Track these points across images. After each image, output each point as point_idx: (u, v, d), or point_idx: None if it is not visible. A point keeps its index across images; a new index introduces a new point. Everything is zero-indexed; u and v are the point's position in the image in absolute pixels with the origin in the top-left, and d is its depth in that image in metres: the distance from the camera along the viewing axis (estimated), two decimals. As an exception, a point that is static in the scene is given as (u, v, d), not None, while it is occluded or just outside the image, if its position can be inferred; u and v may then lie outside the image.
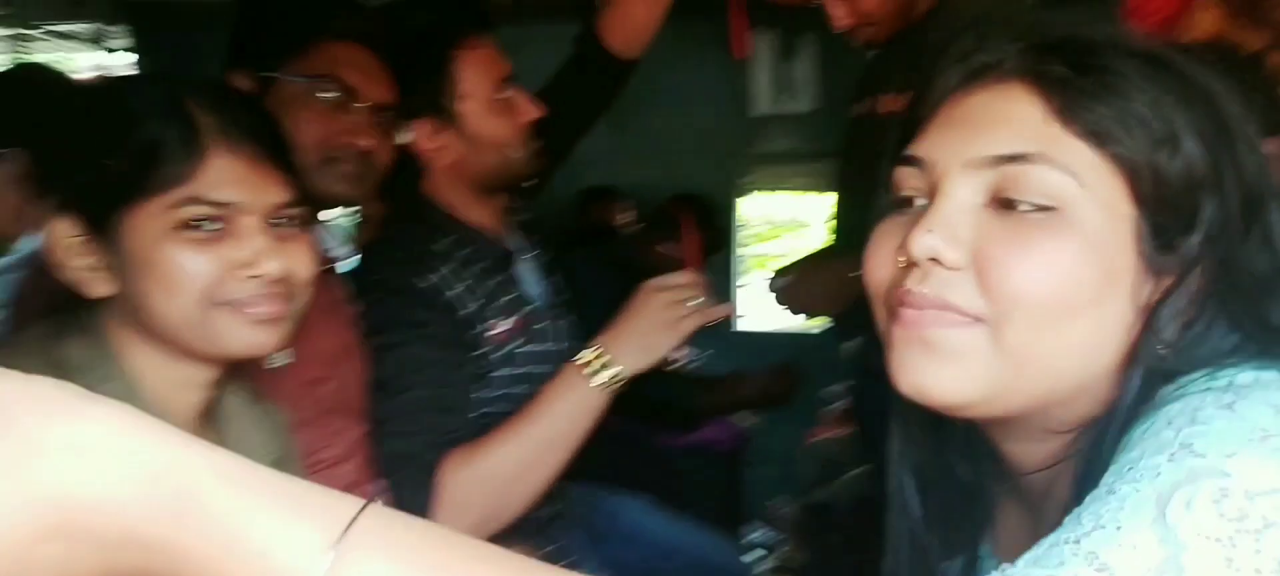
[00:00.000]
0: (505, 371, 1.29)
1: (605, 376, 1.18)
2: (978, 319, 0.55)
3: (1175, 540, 0.43)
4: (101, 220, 0.80)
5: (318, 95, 1.16)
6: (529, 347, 1.32)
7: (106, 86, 1.01)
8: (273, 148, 0.84)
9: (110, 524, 0.36)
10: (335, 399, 1.18)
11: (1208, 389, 0.50)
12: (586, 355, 1.19)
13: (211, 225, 0.80)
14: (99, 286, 0.81)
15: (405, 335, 1.23)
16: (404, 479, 1.19)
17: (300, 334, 0.95)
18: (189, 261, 0.79)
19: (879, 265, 0.60)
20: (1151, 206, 0.54)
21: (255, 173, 0.81)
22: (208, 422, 0.88)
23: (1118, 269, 0.54)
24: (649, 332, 1.19)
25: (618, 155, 2.77)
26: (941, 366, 0.55)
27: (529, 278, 1.41)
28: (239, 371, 0.91)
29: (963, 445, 0.67)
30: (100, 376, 0.81)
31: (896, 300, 0.57)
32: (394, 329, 1.23)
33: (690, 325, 1.20)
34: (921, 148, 0.59)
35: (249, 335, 0.82)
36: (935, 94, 0.61)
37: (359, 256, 1.37)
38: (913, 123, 0.61)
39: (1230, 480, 0.44)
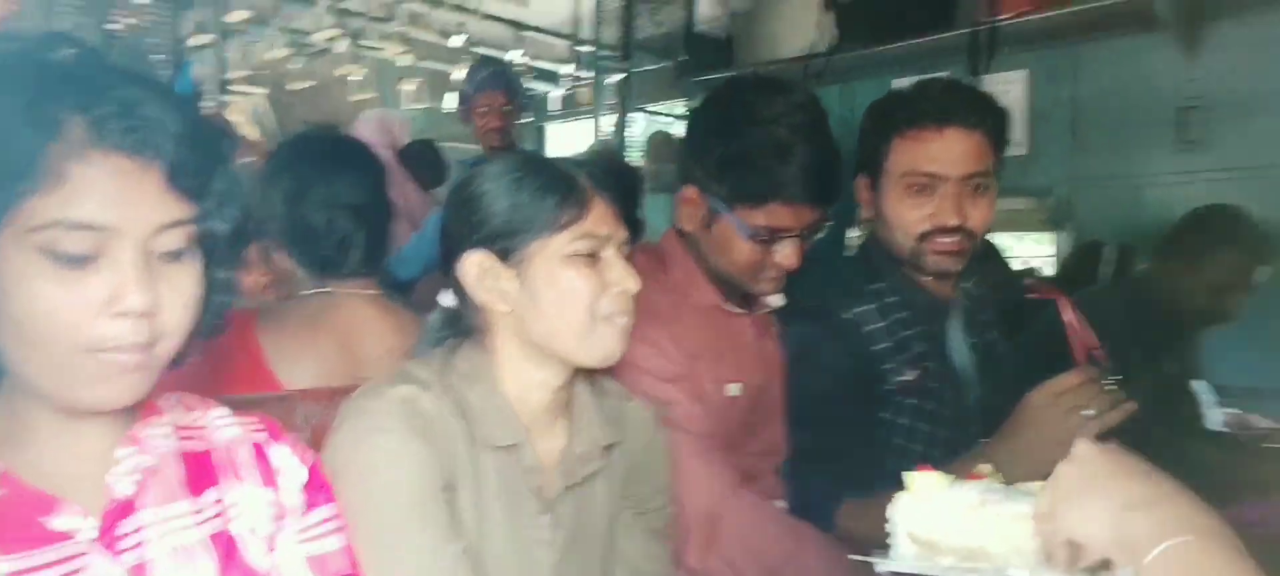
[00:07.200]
0: (904, 421, 1.40)
1: None
2: None
3: None
4: (511, 251, 1.04)
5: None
6: (927, 404, 1.40)
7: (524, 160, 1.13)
8: (621, 199, 1.09)
9: None
10: (747, 419, 1.39)
11: None
12: (975, 457, 1.15)
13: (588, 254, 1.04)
14: (499, 304, 1.06)
15: (819, 363, 1.38)
16: (804, 515, 1.35)
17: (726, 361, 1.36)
18: (579, 282, 1.03)
19: None
20: None
21: (616, 216, 1.07)
22: (557, 413, 1.12)
23: None
24: (1036, 448, 1.13)
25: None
26: None
27: (956, 335, 1.46)
28: (591, 375, 1.14)
29: None
30: (476, 378, 1.07)
31: None
32: (812, 355, 1.39)
33: (1089, 436, 1.10)
34: None
35: (614, 345, 1.06)
36: None
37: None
38: None
39: None
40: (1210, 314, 2.26)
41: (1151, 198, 3.15)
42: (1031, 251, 3.42)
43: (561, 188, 1.05)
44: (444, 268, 1.11)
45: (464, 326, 1.12)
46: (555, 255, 1.05)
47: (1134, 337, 2.03)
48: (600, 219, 1.06)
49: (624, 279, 1.06)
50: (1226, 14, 2.96)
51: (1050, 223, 3.40)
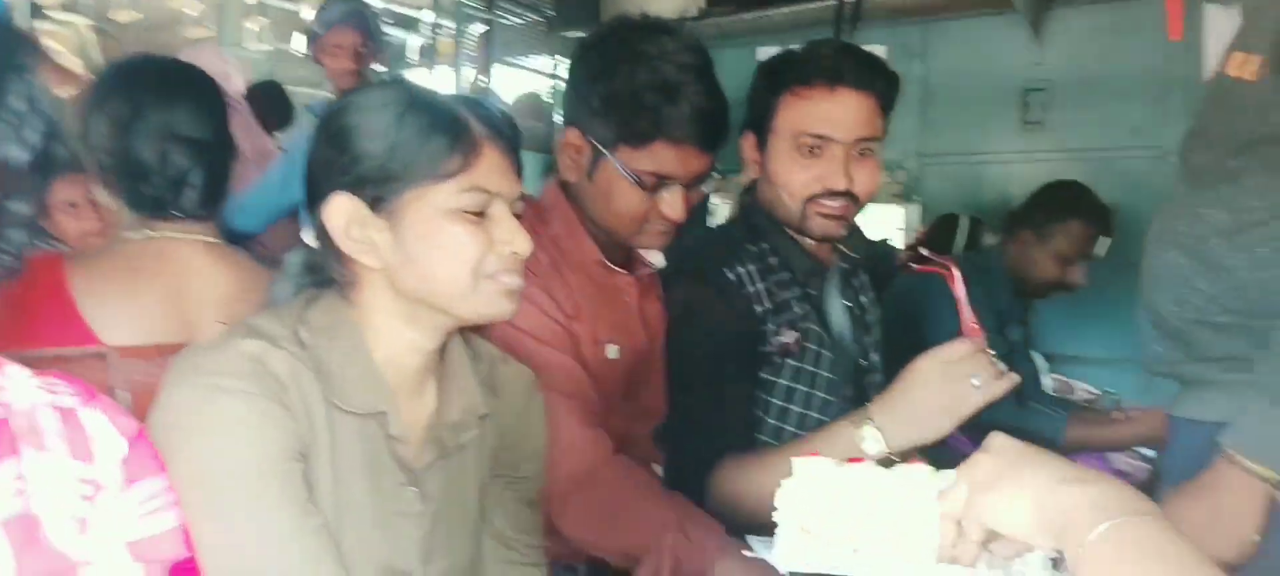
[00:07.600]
0: (783, 382, 1.37)
1: (873, 450, 1.11)
2: None
3: None
4: (384, 200, 0.93)
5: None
6: (805, 366, 1.38)
7: (408, 93, 0.97)
8: (516, 150, 0.99)
9: None
10: (625, 382, 1.35)
11: None
12: (858, 419, 1.15)
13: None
14: (369, 257, 0.94)
15: (703, 323, 1.35)
16: (680, 478, 1.32)
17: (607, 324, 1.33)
18: (464, 238, 0.92)
19: None
20: None
21: (510, 167, 0.96)
22: (427, 376, 1.01)
23: None
24: (922, 415, 1.11)
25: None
26: None
27: (833, 298, 1.44)
28: (465, 335, 1.06)
29: None
30: (337, 335, 0.95)
31: None
32: (695, 316, 1.37)
33: (973, 405, 1.09)
34: None
35: (502, 303, 0.95)
36: None
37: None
38: None
39: None
40: (1056, 284, 2.40)
41: (993, 174, 3.33)
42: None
43: (449, 130, 0.93)
44: (309, 208, 0.98)
45: (325, 276, 0.99)
46: (436, 208, 0.93)
47: (985, 306, 2.12)
48: (491, 170, 0.94)
49: (513, 238, 0.94)
50: (1072, 1, 3.13)
51: (900, 196, 3.53)
